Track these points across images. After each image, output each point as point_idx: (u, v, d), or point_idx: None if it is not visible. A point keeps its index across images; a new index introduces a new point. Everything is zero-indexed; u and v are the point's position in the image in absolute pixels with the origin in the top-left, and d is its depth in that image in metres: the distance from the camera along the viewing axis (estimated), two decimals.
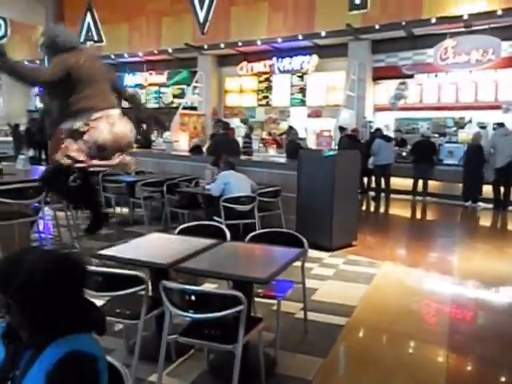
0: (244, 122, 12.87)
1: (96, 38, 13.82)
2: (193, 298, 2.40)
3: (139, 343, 2.72)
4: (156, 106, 15.59)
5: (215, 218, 5.53)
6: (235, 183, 5.82)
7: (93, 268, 2.72)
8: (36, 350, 1.27)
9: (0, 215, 4.02)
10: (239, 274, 2.71)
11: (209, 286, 4.02)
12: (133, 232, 6.85)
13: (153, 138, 12.42)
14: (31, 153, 14.85)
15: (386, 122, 12.08)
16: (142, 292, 2.69)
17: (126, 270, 2.83)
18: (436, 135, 11.33)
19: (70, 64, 3.95)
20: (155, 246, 3.27)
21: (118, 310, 2.84)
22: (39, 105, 16.92)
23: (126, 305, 2.89)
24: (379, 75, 12.20)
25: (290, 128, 10.83)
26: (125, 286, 2.69)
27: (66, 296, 1.30)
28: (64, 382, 1.22)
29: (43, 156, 15.23)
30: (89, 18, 13.28)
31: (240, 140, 10.33)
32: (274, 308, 3.37)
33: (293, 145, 9.14)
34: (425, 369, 3.17)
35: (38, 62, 14.49)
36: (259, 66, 13.79)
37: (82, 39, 13.77)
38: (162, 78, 15.62)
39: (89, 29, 13.67)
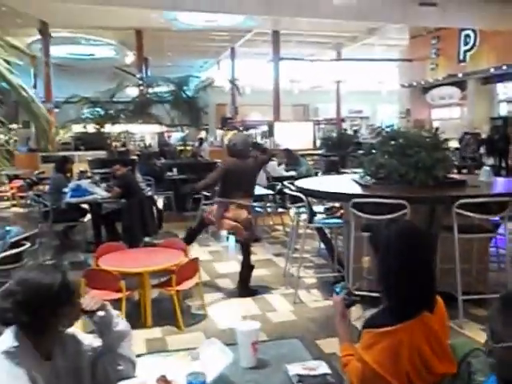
0: None
1: None
2: None
3: None
4: None
5: None
6: None
7: None
8: None
9: (461, 227, 3.99)
10: None
11: None
12: None
13: None
14: (491, 161, 14.57)
15: None
16: None
17: None
18: None
19: None
20: None
21: None
22: (502, 113, 16.34)
23: None
24: None
25: None
26: None
27: None
28: None
29: (503, 164, 14.66)
30: None
31: None
32: None
33: None
34: None
35: (504, 67, 14.06)
36: None
37: None
38: None
39: None
